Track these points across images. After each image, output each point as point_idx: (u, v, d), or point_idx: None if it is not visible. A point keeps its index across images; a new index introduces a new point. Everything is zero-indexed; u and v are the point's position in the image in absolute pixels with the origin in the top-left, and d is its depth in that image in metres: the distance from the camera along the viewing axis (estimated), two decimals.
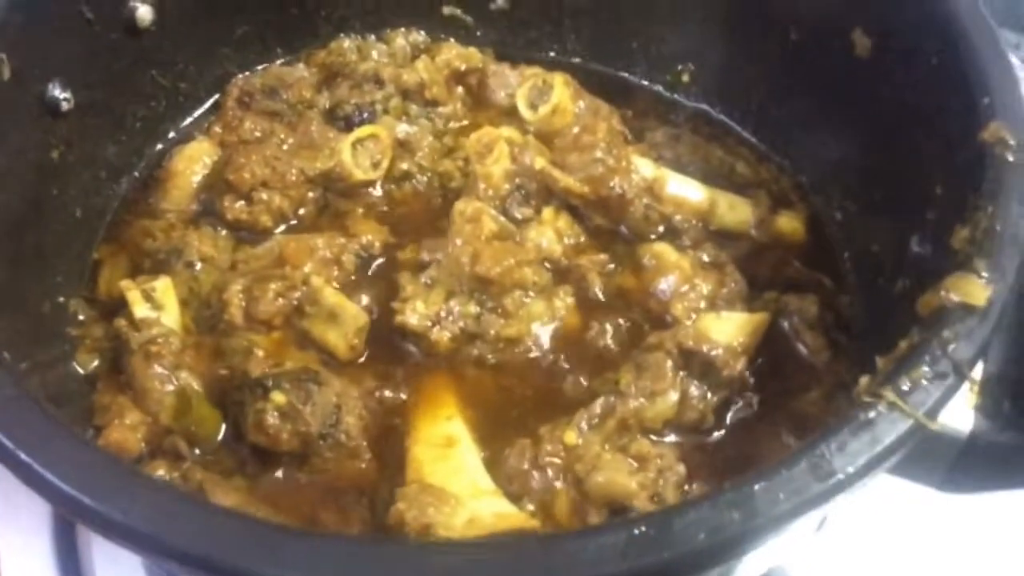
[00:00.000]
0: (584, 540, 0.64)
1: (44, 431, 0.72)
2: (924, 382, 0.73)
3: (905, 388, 0.72)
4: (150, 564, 1.14)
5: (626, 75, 1.41)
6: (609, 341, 1.10)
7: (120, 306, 1.10)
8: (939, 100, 0.98)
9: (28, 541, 1.15)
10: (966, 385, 0.77)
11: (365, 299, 1.13)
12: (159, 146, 1.29)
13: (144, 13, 1.18)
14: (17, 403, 0.73)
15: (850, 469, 0.68)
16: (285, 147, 1.24)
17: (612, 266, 1.17)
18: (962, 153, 0.90)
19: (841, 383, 1.06)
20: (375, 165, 1.23)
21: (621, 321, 1.12)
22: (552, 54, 1.43)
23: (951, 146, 0.94)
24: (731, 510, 0.65)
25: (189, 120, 1.32)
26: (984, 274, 0.79)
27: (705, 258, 1.16)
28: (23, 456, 0.69)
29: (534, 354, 1.09)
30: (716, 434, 1.03)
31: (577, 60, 1.42)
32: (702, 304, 1.12)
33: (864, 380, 0.76)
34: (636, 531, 0.64)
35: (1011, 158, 0.86)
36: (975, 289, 0.78)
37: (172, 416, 1.00)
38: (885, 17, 1.08)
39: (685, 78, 1.37)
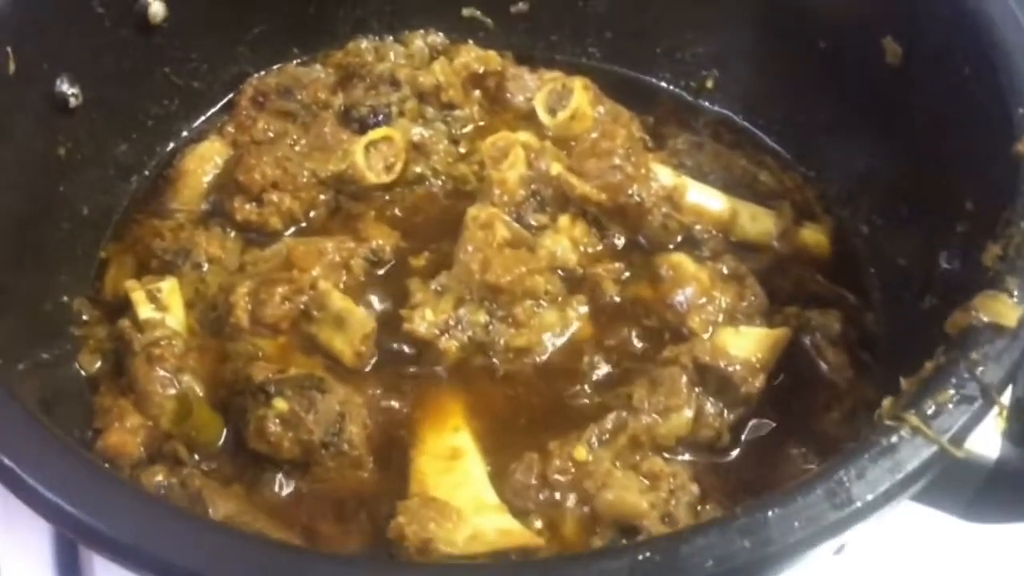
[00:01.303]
0: (585, 564, 0.62)
1: (29, 435, 0.70)
2: (950, 406, 0.70)
3: (930, 412, 0.69)
4: None
5: (649, 79, 1.38)
6: (623, 353, 1.07)
7: (125, 306, 1.08)
8: (972, 111, 0.95)
9: (28, 540, 1.14)
10: (994, 410, 0.73)
11: (374, 304, 1.10)
12: (171, 145, 1.27)
13: (156, 9, 1.16)
14: (2, 406, 0.71)
15: (869, 497, 0.64)
16: (297, 148, 1.21)
17: (627, 275, 1.13)
18: (995, 166, 0.87)
19: (864, 403, 1.03)
20: (388, 168, 1.21)
21: (636, 333, 1.09)
22: (573, 57, 1.40)
23: (984, 159, 0.90)
24: (742, 537, 0.62)
25: (202, 119, 1.30)
26: (1016, 293, 0.75)
27: (724, 270, 1.12)
28: (5, 460, 0.67)
29: (545, 365, 1.06)
30: (732, 453, 1.00)
31: (599, 64, 1.39)
32: (720, 317, 1.08)
33: (887, 402, 0.73)
34: (640, 556, 0.61)
35: None
36: (1006, 309, 0.74)
37: (172, 421, 0.98)
38: (917, 24, 1.05)
39: (709, 84, 1.34)
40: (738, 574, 0.62)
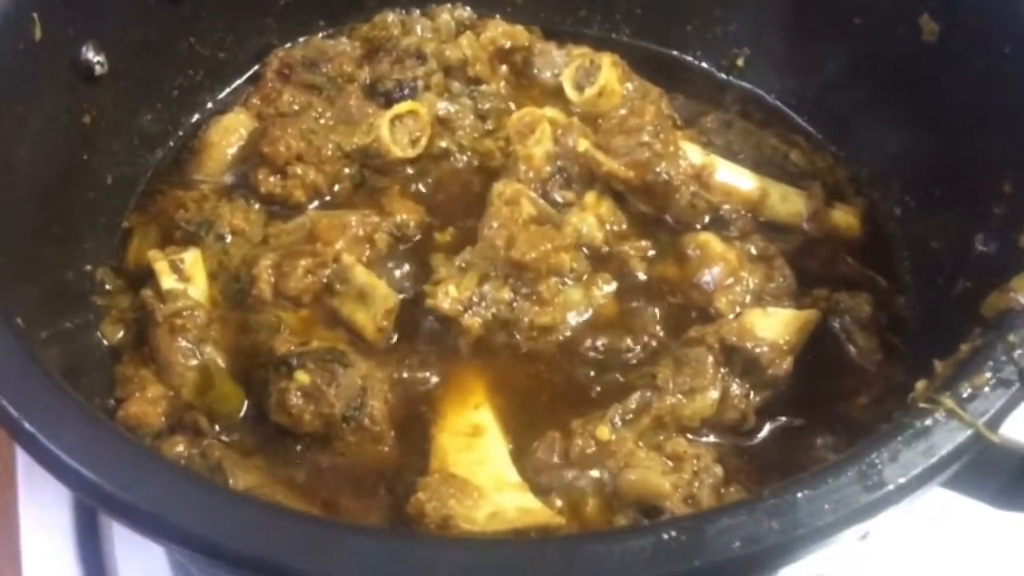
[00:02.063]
0: (608, 544, 0.60)
1: (51, 402, 0.69)
2: (986, 389, 0.68)
3: (965, 395, 0.67)
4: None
5: (679, 55, 1.36)
6: (648, 332, 1.05)
7: (148, 277, 1.08)
8: (1011, 90, 0.93)
9: (49, 513, 1.14)
10: None
11: (397, 279, 1.09)
12: (196, 116, 1.26)
13: None
14: (25, 372, 0.70)
15: (902, 480, 0.63)
16: (322, 121, 1.21)
17: (653, 254, 1.12)
18: None
19: (893, 388, 1.01)
20: (413, 142, 1.20)
21: (661, 312, 1.07)
22: (602, 32, 1.38)
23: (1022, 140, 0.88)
24: (770, 519, 0.61)
25: (227, 91, 1.30)
26: None
27: (753, 250, 1.11)
28: (27, 426, 0.67)
29: (569, 343, 1.05)
30: (757, 436, 0.98)
31: (628, 39, 1.37)
32: (747, 298, 1.07)
33: (921, 384, 0.71)
34: (665, 536, 0.60)
35: None
36: None
37: (194, 392, 0.98)
38: (955, 1, 1.02)
39: (740, 62, 1.32)
40: (765, 556, 0.61)
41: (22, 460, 1.16)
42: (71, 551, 1.11)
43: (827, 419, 0.99)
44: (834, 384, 1.02)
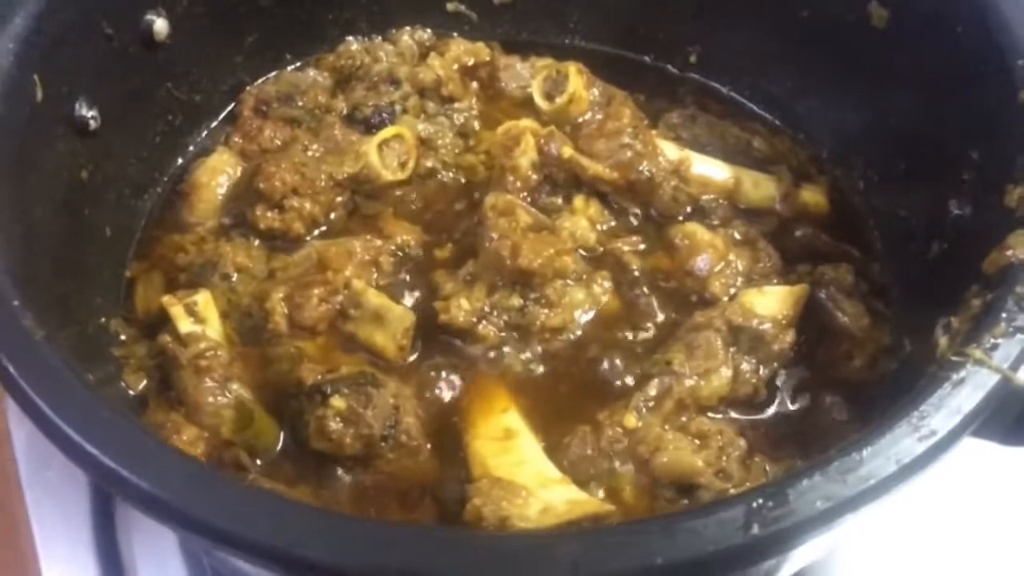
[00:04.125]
0: (704, 517, 0.65)
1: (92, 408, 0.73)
2: (1004, 339, 0.75)
3: (989, 345, 0.75)
4: (186, 549, 1.13)
5: (633, 56, 1.41)
6: (652, 320, 1.12)
7: (159, 323, 1.09)
8: (968, 67, 0.99)
9: (68, 527, 1.14)
10: None
11: (407, 298, 1.13)
12: (179, 160, 1.27)
13: (160, 27, 1.17)
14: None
15: (951, 426, 0.70)
16: (310, 153, 1.23)
17: (644, 247, 1.17)
18: (1001, 118, 0.92)
19: (883, 348, 1.09)
20: (402, 165, 1.23)
21: (660, 301, 1.13)
22: (558, 39, 1.44)
23: (986, 111, 0.96)
24: (843, 476, 0.67)
25: (205, 132, 1.31)
26: None
27: (736, 235, 1.17)
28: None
29: (580, 341, 1.10)
30: (770, 406, 1.05)
31: (584, 44, 1.43)
32: (739, 280, 1.13)
33: (944, 340, 0.79)
34: (754, 504, 0.65)
35: None
36: None
37: (233, 429, 1.00)
38: None
39: (693, 59, 1.38)
40: (843, 510, 0.67)
41: (24, 463, 1.16)
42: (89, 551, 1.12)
43: (828, 383, 1.06)
44: (830, 351, 1.09)
